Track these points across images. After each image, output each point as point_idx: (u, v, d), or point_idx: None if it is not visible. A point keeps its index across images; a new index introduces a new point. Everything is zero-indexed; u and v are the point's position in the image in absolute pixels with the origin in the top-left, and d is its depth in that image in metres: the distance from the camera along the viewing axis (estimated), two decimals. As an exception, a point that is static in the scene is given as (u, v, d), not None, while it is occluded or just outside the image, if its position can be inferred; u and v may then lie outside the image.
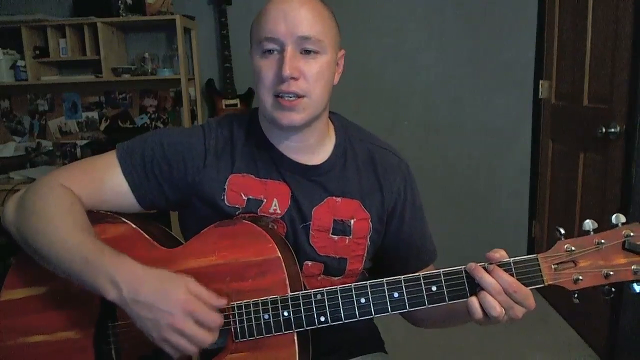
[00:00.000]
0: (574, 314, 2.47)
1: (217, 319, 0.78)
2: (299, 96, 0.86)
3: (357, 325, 1.05)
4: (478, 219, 3.02)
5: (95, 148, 2.91)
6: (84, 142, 3.06)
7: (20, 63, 2.80)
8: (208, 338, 0.77)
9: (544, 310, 2.64)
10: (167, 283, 0.77)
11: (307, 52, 0.86)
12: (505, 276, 0.76)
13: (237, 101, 2.89)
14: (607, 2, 2.11)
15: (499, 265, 0.78)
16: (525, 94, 2.90)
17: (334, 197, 0.95)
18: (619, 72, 2.01)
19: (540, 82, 2.82)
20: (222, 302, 0.80)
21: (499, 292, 0.75)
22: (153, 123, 3.05)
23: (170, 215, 2.41)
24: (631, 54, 1.93)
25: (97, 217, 0.90)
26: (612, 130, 2.02)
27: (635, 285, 0.76)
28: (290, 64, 0.84)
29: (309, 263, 0.95)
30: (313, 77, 0.87)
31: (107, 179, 0.92)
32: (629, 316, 2.01)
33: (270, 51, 0.87)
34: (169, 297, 0.76)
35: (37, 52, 2.78)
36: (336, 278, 0.97)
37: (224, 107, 2.89)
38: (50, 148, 3.09)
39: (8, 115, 3.09)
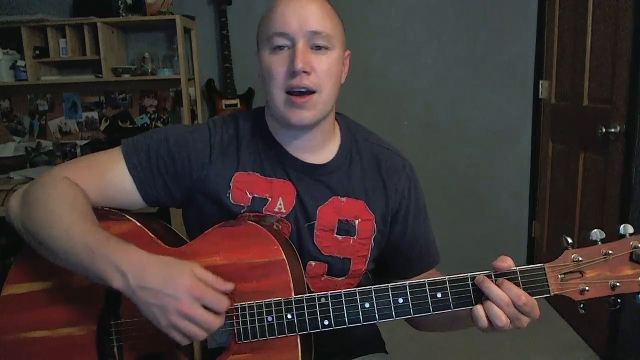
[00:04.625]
0: (575, 315, 2.46)
1: (224, 302, 0.77)
2: (310, 91, 0.87)
3: (358, 325, 1.05)
4: (478, 219, 3.02)
5: (95, 148, 2.90)
6: (84, 142, 3.06)
7: (20, 63, 2.79)
8: (216, 322, 0.76)
9: (545, 311, 2.62)
10: (173, 268, 0.76)
11: (317, 47, 0.87)
12: (514, 288, 0.75)
13: (237, 101, 2.88)
14: (607, 2, 2.11)
15: (504, 275, 0.77)
16: (525, 94, 2.90)
17: (338, 197, 0.95)
18: (619, 72, 2.01)
19: (540, 82, 2.82)
20: (228, 286, 0.79)
21: (507, 304, 0.75)
22: (153, 123, 3.05)
23: (171, 213, 2.41)
24: (631, 54, 1.93)
25: (102, 214, 0.89)
26: (612, 130, 2.02)
27: None
28: (302, 58, 0.85)
29: (313, 263, 0.95)
30: (324, 72, 0.87)
31: (112, 175, 0.92)
32: (629, 317, 2.01)
33: (280, 47, 0.87)
34: (176, 282, 0.75)
35: (37, 52, 2.78)
36: (339, 279, 0.97)
37: (224, 107, 2.89)
38: (50, 148, 3.09)
39: (8, 115, 3.09)
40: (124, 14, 2.75)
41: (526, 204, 3.02)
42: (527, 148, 2.95)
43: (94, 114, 3.06)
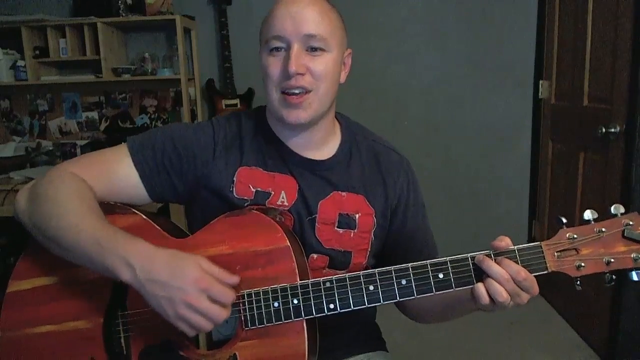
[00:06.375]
0: (575, 315, 2.47)
1: (230, 295, 0.79)
2: (306, 91, 0.89)
3: (358, 323, 1.06)
4: (478, 219, 3.02)
5: (95, 148, 2.84)
6: (84, 142, 3.06)
7: (20, 63, 2.79)
8: (222, 314, 0.77)
9: (545, 311, 2.64)
10: (180, 261, 0.78)
11: (313, 49, 0.89)
12: (514, 265, 0.78)
13: (237, 101, 2.89)
14: (607, 2, 2.11)
15: (503, 254, 0.79)
16: (525, 94, 2.90)
17: (339, 192, 0.97)
18: (619, 72, 2.01)
19: (540, 82, 2.82)
20: (234, 279, 0.81)
21: (507, 280, 0.77)
22: (153, 123, 3.05)
23: (170, 211, 2.41)
24: (631, 54, 1.93)
25: (108, 208, 0.90)
26: (612, 130, 2.02)
27: (634, 273, 0.78)
28: (296, 61, 0.87)
29: (315, 256, 0.96)
30: (319, 73, 0.90)
31: (118, 170, 0.94)
32: (629, 317, 2.01)
33: (277, 49, 0.90)
34: (183, 274, 0.76)
35: (37, 52, 2.78)
36: (341, 272, 0.98)
37: (224, 107, 2.89)
38: (50, 148, 3.09)
39: (8, 115, 3.09)
40: (124, 14, 2.75)
41: (526, 203, 3.02)
42: (527, 148, 2.96)
43: (94, 114, 3.06)
